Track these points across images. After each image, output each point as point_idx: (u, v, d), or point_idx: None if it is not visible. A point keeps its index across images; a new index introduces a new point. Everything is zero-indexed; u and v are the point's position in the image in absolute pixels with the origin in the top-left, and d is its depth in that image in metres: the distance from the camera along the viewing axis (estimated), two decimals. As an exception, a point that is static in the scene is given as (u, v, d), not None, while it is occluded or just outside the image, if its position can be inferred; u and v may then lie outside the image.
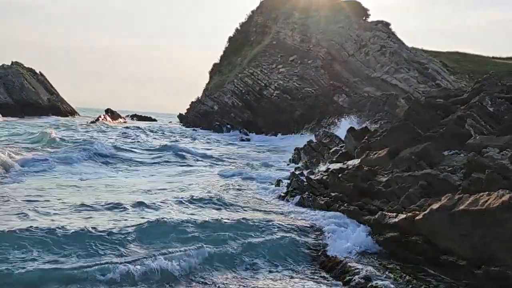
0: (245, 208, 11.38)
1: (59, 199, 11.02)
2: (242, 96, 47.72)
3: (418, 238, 7.89)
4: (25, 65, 72.68)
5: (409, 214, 8.33)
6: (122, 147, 24.28)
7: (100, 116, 60.69)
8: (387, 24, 44.60)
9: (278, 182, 15.31)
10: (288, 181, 14.77)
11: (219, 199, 11.85)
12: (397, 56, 39.33)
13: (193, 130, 51.06)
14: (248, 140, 39.27)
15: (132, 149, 24.00)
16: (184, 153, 23.00)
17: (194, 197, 11.73)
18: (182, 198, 11.65)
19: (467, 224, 6.81)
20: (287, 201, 12.70)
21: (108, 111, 68.85)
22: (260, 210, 11.26)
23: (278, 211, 11.23)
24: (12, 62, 70.92)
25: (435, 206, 7.58)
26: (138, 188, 13.35)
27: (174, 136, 38.85)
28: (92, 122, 53.71)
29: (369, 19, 47.58)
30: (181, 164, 20.42)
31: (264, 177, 16.88)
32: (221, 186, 14.77)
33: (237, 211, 10.98)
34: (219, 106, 51.76)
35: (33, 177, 14.43)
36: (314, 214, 10.66)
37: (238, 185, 15.01)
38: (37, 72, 74.24)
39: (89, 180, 14.63)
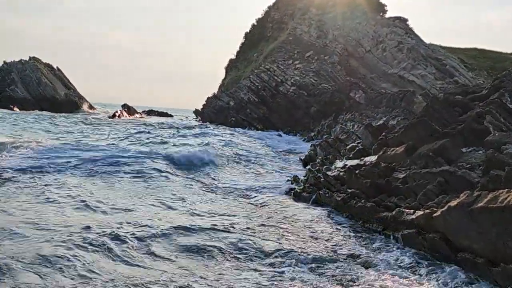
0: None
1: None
2: (258, 92, 47.69)
3: (436, 235, 7.88)
4: (42, 61, 73.50)
5: (426, 211, 8.33)
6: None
7: (117, 112, 61.20)
8: (404, 20, 44.26)
9: (295, 178, 15.38)
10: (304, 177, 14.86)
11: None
12: (414, 52, 39.02)
13: (215, 126, 50.64)
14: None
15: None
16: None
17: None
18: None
19: (485, 221, 6.79)
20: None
21: (124, 106, 69.32)
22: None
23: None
24: (29, 57, 71.76)
25: (453, 203, 7.57)
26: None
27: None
28: (110, 117, 54.20)
29: (387, 15, 47.27)
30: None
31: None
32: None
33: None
34: (235, 102, 51.78)
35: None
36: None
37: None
38: (55, 67, 74.99)
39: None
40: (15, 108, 58.50)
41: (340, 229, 9.79)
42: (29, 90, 66.58)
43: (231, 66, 66.11)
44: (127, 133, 30.78)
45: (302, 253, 7.95)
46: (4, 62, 68.91)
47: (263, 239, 8.71)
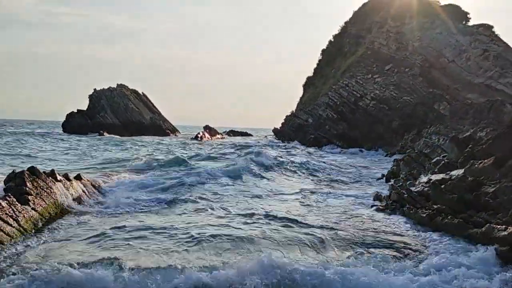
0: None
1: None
2: (336, 108, 47.31)
3: (530, 252, 7.40)
4: (129, 87, 77.36)
5: (520, 227, 7.85)
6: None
7: (199, 133, 62.94)
8: (489, 27, 42.30)
9: (377, 195, 15.02)
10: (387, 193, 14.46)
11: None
12: (501, 60, 37.14)
13: (299, 145, 50.71)
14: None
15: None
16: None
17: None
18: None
19: None
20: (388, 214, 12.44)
21: (206, 127, 71.15)
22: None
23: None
24: (117, 84, 75.83)
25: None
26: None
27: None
28: (193, 139, 55.82)
29: (470, 23, 45.45)
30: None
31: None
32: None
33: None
34: (313, 119, 51.70)
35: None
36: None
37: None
38: (140, 93, 78.63)
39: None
40: (105, 133, 61.80)
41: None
42: (117, 116, 70.24)
43: (309, 84, 66.26)
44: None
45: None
46: (94, 90, 73.19)
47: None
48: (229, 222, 11.06)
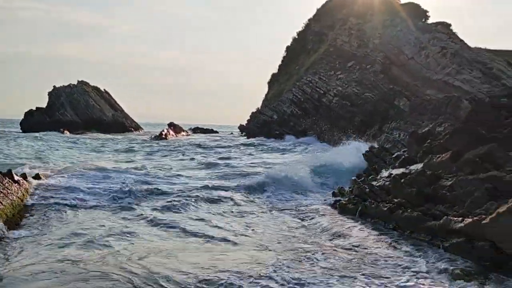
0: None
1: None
2: (300, 105, 47.76)
3: (485, 243, 7.70)
4: (90, 84, 76.08)
5: (475, 218, 8.14)
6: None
7: (163, 131, 62.35)
8: (447, 25, 43.36)
9: (340, 190, 15.33)
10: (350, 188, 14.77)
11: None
12: (458, 57, 38.12)
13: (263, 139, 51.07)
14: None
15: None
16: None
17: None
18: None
19: (535, 227, 6.61)
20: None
21: (171, 124, 70.56)
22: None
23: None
24: (78, 81, 74.47)
25: (501, 209, 7.40)
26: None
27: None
28: (155, 138, 55.31)
29: (429, 21, 46.45)
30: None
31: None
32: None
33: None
34: (278, 115, 52.04)
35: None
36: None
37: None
38: (102, 89, 77.42)
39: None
40: (66, 131, 60.55)
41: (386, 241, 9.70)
42: (77, 113, 68.97)
43: (273, 80, 66.57)
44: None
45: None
46: (54, 87, 71.66)
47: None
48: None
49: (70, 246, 8.80)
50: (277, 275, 7.29)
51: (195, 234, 9.97)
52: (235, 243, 9.37)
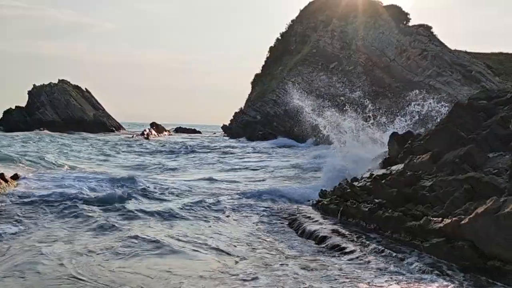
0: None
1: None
2: (283, 105, 47.93)
3: (464, 243, 7.79)
4: (71, 83, 75.26)
5: (454, 219, 8.23)
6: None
7: (145, 130, 62.04)
8: (428, 28, 43.95)
9: (322, 191, 15.37)
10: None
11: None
12: (439, 60, 38.65)
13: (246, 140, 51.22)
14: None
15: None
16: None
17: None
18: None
19: (512, 227, 6.71)
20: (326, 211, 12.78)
21: (153, 124, 70.22)
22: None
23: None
24: (58, 80, 73.61)
25: (479, 210, 7.50)
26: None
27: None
28: (139, 135, 54.96)
29: (410, 23, 46.98)
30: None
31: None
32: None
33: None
34: (261, 116, 52.14)
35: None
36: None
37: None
38: (83, 88, 76.63)
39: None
40: (45, 130, 59.84)
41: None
42: (58, 112, 68.17)
43: (257, 81, 66.66)
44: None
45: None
46: (34, 86, 70.73)
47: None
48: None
49: None
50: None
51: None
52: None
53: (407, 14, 48.25)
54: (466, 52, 41.94)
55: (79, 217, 11.24)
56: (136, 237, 9.41)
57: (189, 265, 7.92)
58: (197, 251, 8.82)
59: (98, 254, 8.32)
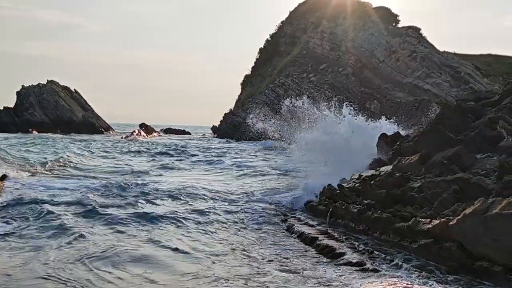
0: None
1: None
2: (273, 106, 47.91)
3: (452, 244, 7.80)
4: (60, 83, 74.77)
5: (442, 220, 8.24)
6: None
7: (134, 131, 61.79)
8: (417, 29, 44.21)
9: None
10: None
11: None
12: (428, 61, 38.87)
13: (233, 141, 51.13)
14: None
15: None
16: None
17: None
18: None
19: (500, 228, 6.73)
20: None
21: (142, 125, 69.96)
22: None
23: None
24: (47, 80, 73.08)
25: (467, 211, 7.51)
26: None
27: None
28: (126, 137, 54.70)
29: (399, 25, 47.22)
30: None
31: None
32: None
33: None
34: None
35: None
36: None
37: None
38: (72, 89, 76.15)
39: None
40: (34, 131, 59.40)
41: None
42: (47, 113, 67.68)
43: (247, 82, 66.64)
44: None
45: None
46: (22, 86, 70.20)
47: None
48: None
49: None
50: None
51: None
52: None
53: (396, 15, 48.59)
54: (455, 54, 42.23)
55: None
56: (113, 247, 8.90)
57: (168, 269, 7.80)
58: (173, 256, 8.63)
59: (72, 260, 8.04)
